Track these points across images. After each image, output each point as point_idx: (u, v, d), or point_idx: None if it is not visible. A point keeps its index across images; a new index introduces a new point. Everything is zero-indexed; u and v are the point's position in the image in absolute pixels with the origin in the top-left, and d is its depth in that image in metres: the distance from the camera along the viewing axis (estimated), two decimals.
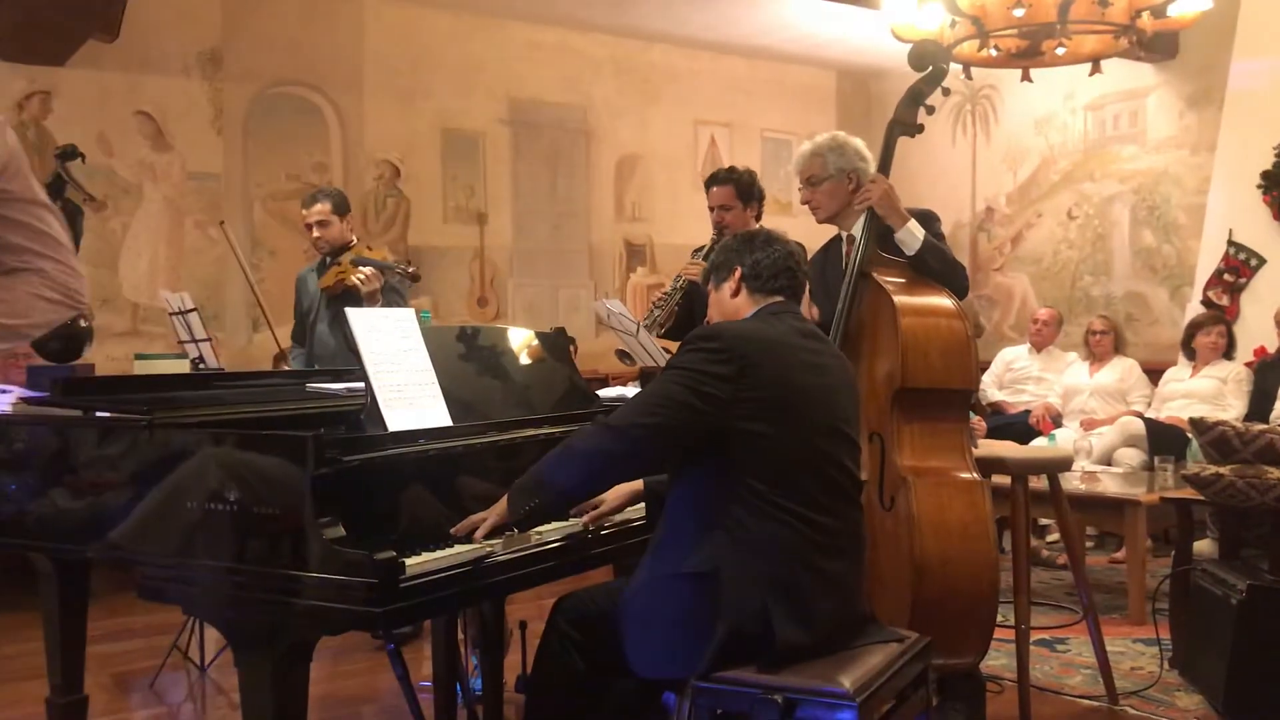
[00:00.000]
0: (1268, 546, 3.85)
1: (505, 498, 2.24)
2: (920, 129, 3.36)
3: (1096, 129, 7.85)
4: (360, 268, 4.14)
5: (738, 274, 2.43)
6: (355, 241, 4.42)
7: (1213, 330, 6.09)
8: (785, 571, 2.18)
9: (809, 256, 3.71)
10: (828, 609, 2.23)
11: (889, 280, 3.19)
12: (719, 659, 2.15)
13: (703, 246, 4.35)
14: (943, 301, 3.19)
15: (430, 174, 7.41)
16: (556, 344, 2.98)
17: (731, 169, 4.31)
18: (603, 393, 3.30)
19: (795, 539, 2.20)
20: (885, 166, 3.32)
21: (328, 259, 4.39)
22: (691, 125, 8.48)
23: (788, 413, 2.20)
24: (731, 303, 2.44)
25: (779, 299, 2.41)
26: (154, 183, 6.50)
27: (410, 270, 4.17)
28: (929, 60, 3.34)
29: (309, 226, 4.39)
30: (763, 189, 4.26)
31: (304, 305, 4.55)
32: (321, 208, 4.34)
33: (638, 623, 2.24)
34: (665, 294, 4.34)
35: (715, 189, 4.21)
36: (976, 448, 3.64)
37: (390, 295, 4.20)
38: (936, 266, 3.24)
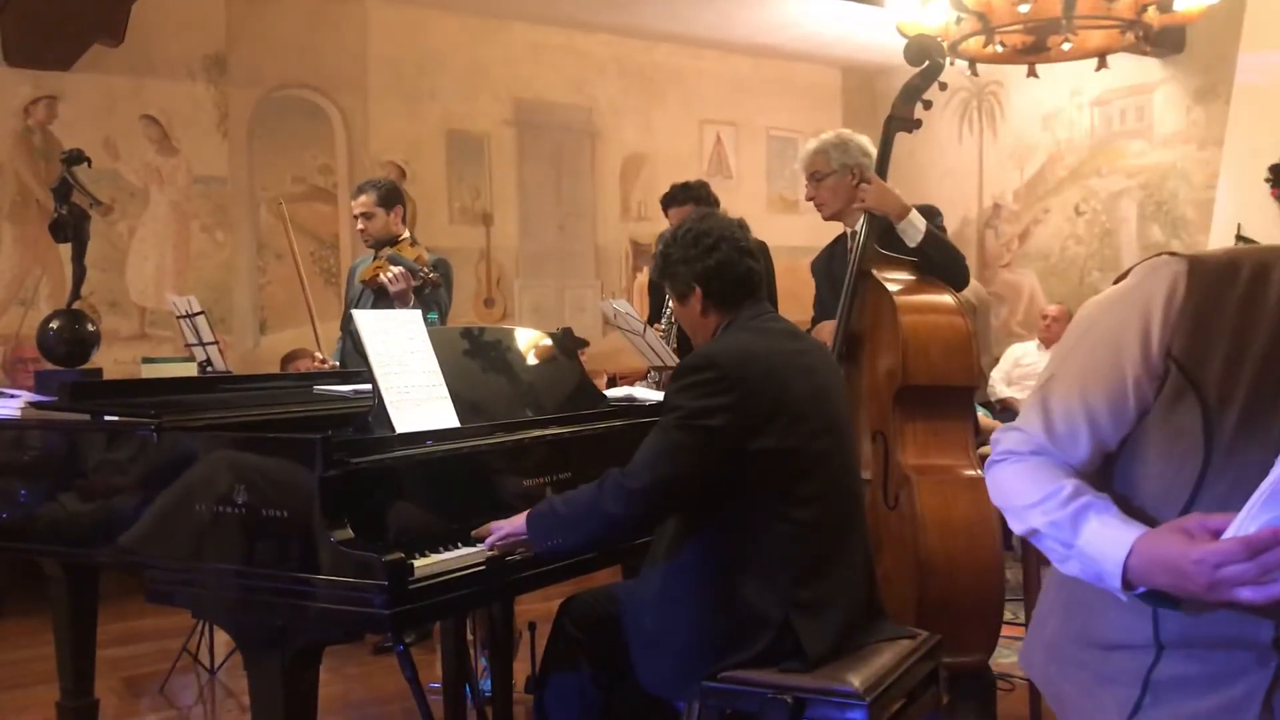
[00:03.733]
0: None
1: (525, 518, 2.21)
2: (918, 124, 3.35)
3: (1103, 124, 7.82)
4: (392, 266, 4.11)
5: (699, 294, 2.33)
6: (404, 236, 4.36)
7: None
8: (803, 583, 2.17)
9: (816, 254, 3.74)
10: (844, 609, 2.23)
11: (889, 278, 3.18)
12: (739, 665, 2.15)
13: None
14: (943, 298, 3.18)
15: (436, 176, 7.41)
16: (563, 344, 2.97)
17: (686, 185, 4.37)
18: (610, 392, 3.29)
19: (809, 549, 2.19)
20: (884, 162, 3.32)
21: (376, 252, 4.35)
22: (697, 124, 8.47)
23: (790, 423, 2.17)
24: (704, 321, 2.36)
25: (748, 303, 2.34)
26: (160, 187, 6.50)
27: (430, 276, 4.10)
28: (925, 55, 3.33)
29: (355, 218, 4.39)
30: (716, 197, 4.32)
31: (350, 295, 4.55)
32: (366, 199, 4.30)
33: (652, 644, 2.22)
34: (663, 332, 4.43)
35: (675, 210, 4.27)
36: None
37: (433, 292, 4.13)
38: (938, 258, 3.24)
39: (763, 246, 4.22)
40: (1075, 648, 1.49)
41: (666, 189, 4.50)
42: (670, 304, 4.38)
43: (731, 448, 2.14)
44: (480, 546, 2.21)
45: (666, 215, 4.25)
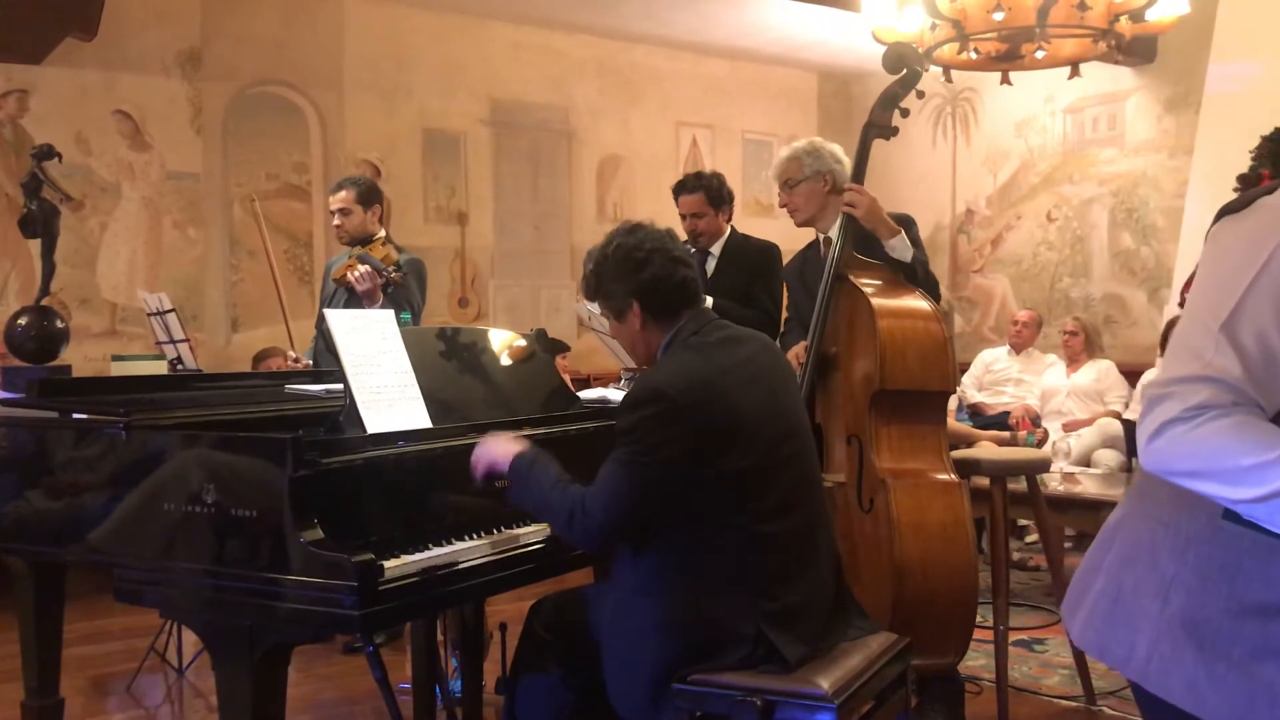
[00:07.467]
0: None
1: (510, 463, 2.25)
2: (895, 131, 3.37)
3: (1076, 132, 7.90)
4: (360, 265, 4.10)
5: (636, 309, 2.28)
6: (379, 235, 4.32)
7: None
8: (773, 595, 2.17)
9: (789, 259, 3.76)
10: (816, 612, 2.25)
11: (865, 282, 3.20)
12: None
13: None
14: (919, 304, 3.20)
15: (411, 174, 7.39)
16: (537, 345, 2.97)
17: (699, 175, 4.25)
18: (584, 394, 3.30)
19: (776, 558, 2.19)
20: (861, 169, 3.33)
21: (350, 249, 4.31)
22: (673, 126, 8.48)
23: (746, 440, 2.16)
24: (644, 335, 2.31)
25: (687, 313, 2.29)
26: (132, 182, 6.46)
27: (394, 275, 4.08)
28: (904, 63, 3.35)
29: (332, 214, 4.34)
30: (731, 190, 4.24)
31: (324, 294, 4.51)
32: (344, 195, 4.27)
33: (624, 669, 2.20)
34: None
35: (685, 197, 4.16)
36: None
37: (399, 291, 4.11)
38: (921, 276, 3.27)
39: (773, 247, 4.14)
40: (1223, 620, 1.27)
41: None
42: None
43: (688, 477, 2.12)
44: (451, 547, 2.21)
45: (676, 202, 4.19)
